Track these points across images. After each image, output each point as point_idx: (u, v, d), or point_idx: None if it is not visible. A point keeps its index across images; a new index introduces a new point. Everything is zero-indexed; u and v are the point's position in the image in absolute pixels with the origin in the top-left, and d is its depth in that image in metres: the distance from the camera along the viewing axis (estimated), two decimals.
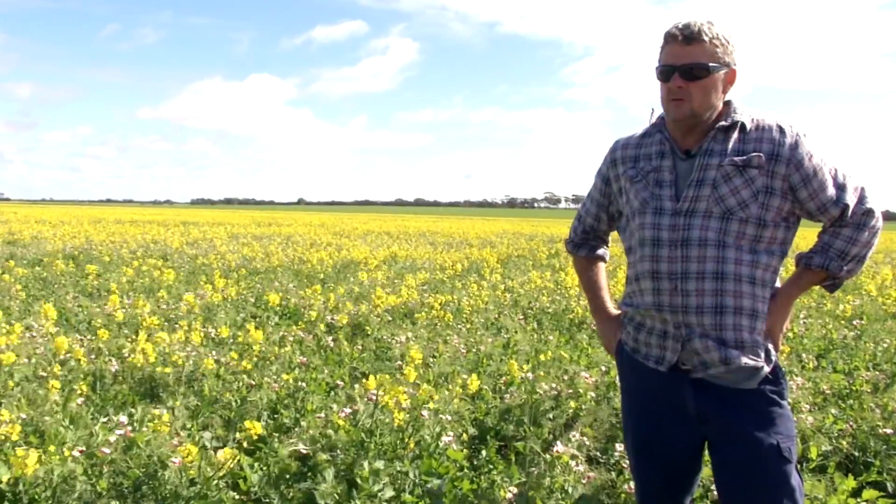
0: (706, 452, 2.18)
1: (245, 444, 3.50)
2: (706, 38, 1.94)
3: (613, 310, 2.42)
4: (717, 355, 1.99)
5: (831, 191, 1.97)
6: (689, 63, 1.95)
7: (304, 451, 3.48)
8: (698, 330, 2.01)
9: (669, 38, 2.00)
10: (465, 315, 7.87)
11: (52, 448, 3.14)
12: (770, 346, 2.03)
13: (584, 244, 2.48)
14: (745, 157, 1.96)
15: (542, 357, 5.34)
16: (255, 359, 5.14)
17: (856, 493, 3.20)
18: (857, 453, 3.88)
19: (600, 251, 2.47)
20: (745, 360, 1.98)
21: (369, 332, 6.75)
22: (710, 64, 1.95)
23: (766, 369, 2.01)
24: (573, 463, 3.37)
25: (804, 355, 5.84)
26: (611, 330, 2.37)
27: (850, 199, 1.98)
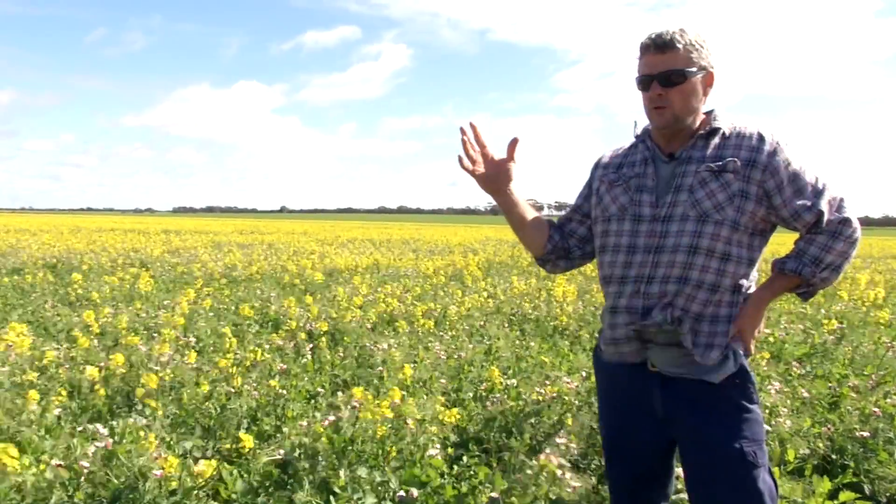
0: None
1: (231, 456, 3.48)
2: (679, 45, 1.99)
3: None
4: (665, 352, 2.04)
5: (806, 198, 1.99)
6: (665, 70, 2.00)
7: (284, 459, 3.46)
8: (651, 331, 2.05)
9: (644, 48, 2.05)
10: (448, 322, 7.86)
11: (30, 458, 3.11)
12: (738, 348, 2.04)
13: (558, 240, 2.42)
14: (721, 163, 2.00)
15: (523, 363, 5.33)
16: (232, 364, 5.08)
17: (833, 494, 3.22)
18: (834, 456, 3.92)
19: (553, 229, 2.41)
20: (694, 349, 2.00)
21: (348, 341, 6.71)
22: (686, 69, 2.00)
23: (732, 367, 2.02)
24: (560, 472, 3.32)
25: (792, 362, 5.86)
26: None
27: (826, 207, 1.99)
